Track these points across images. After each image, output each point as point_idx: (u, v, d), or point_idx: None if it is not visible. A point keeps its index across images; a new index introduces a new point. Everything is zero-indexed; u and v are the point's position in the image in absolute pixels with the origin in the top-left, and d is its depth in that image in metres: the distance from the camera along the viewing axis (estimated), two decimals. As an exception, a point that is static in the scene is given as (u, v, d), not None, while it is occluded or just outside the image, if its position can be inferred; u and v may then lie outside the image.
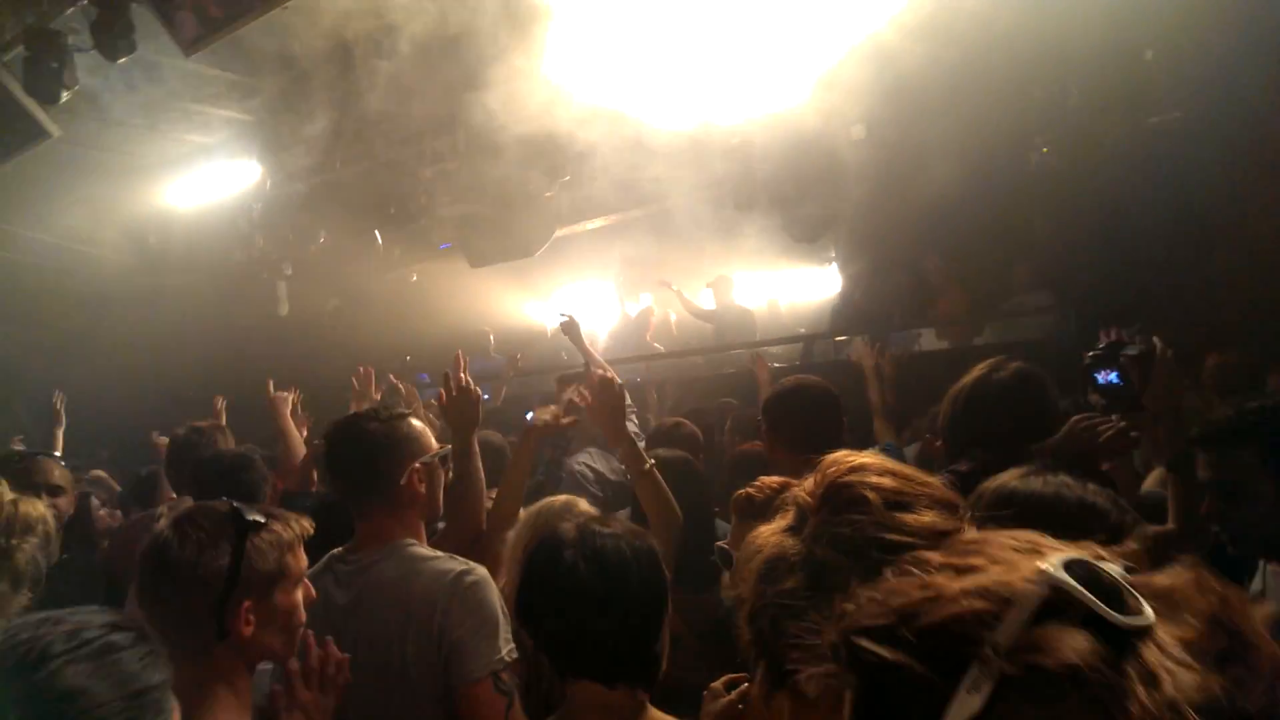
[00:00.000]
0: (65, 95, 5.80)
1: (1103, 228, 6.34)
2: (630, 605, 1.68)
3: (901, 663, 0.65)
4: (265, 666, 1.96)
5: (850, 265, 8.69)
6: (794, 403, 3.31)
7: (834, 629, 0.72)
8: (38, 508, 2.43)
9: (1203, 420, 2.38)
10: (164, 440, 5.73)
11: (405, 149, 8.25)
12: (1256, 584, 2.32)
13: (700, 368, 8.62)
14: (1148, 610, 0.63)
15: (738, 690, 1.98)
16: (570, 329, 5.49)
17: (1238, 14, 5.44)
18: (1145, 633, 0.62)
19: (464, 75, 6.12)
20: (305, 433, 5.11)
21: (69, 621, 1.27)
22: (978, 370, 2.81)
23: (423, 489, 2.53)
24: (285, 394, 5.04)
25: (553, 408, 3.55)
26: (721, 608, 2.89)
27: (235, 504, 1.87)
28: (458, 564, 2.37)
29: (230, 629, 1.77)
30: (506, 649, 2.28)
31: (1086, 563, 0.66)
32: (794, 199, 7.53)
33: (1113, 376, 3.00)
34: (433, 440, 2.63)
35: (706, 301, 9.71)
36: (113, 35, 5.33)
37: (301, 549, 1.94)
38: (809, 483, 1.23)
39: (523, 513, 2.90)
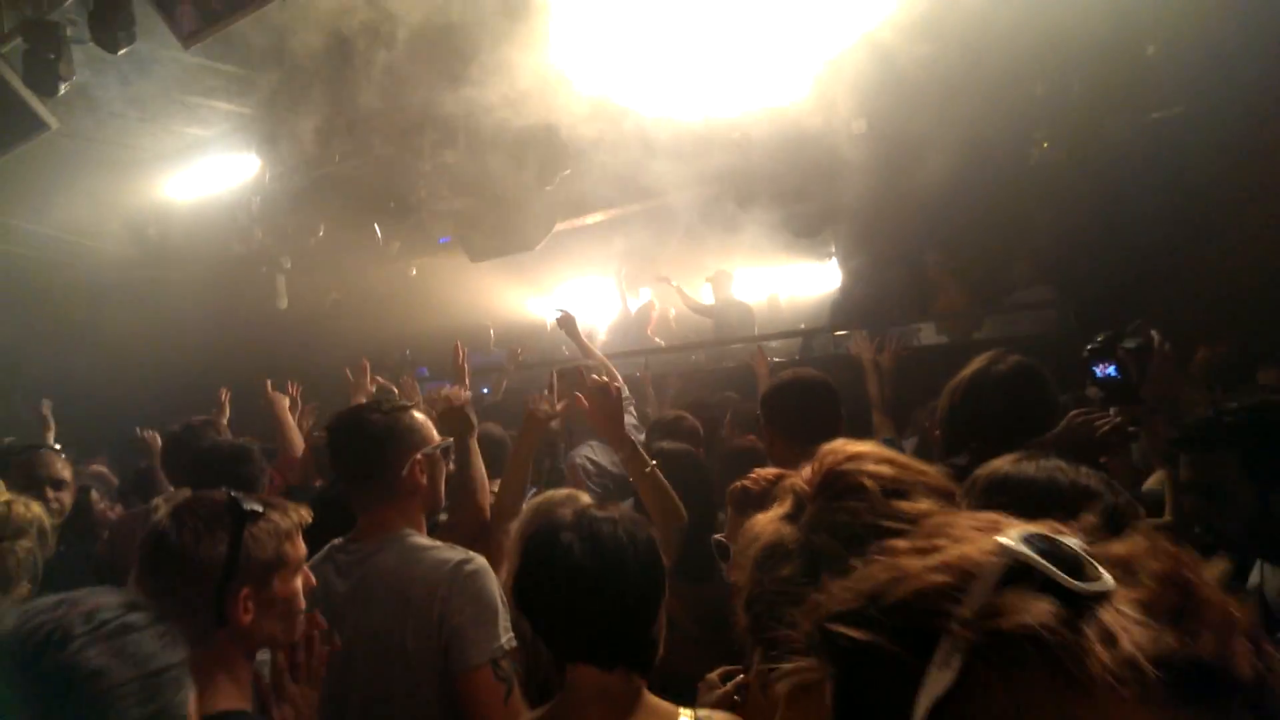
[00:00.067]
0: (64, 88, 5.81)
1: (1103, 222, 6.34)
2: (625, 587, 1.69)
3: (872, 643, 0.67)
4: (264, 657, 1.97)
5: (850, 260, 8.69)
6: (791, 395, 3.31)
7: (808, 619, 0.73)
8: (32, 509, 2.44)
9: (1182, 421, 2.39)
10: (152, 435, 5.75)
11: (404, 143, 8.24)
12: (1254, 577, 2.32)
13: (700, 362, 8.62)
14: (1106, 576, 0.64)
15: (733, 682, 1.99)
16: (567, 323, 5.50)
17: (1239, 8, 5.44)
18: (1104, 597, 0.63)
19: (463, 69, 6.11)
20: (309, 424, 5.13)
21: (85, 603, 1.27)
22: (976, 363, 2.81)
23: (424, 480, 2.55)
24: (282, 394, 5.07)
25: (546, 394, 3.55)
26: (723, 597, 2.89)
27: (233, 493, 1.88)
28: (457, 553, 2.40)
29: (229, 616, 1.78)
30: (505, 637, 2.29)
31: (1045, 535, 0.68)
32: (794, 194, 7.53)
33: (1111, 370, 3.00)
34: (434, 432, 2.66)
35: (705, 297, 9.71)
36: (112, 27, 5.33)
37: (300, 537, 1.95)
38: (807, 471, 1.24)
39: (525, 506, 2.92)
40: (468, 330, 9.01)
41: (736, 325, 8.91)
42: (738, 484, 2.01)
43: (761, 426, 3.41)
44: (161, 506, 1.90)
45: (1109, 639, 0.60)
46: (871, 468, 1.18)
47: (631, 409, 4.85)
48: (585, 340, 5.56)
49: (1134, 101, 6.36)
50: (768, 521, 1.25)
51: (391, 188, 8.72)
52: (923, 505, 1.10)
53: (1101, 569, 0.65)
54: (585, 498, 2.60)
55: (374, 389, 5.39)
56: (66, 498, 3.69)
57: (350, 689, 2.29)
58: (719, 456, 4.00)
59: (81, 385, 9.23)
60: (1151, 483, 3.38)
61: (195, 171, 9.19)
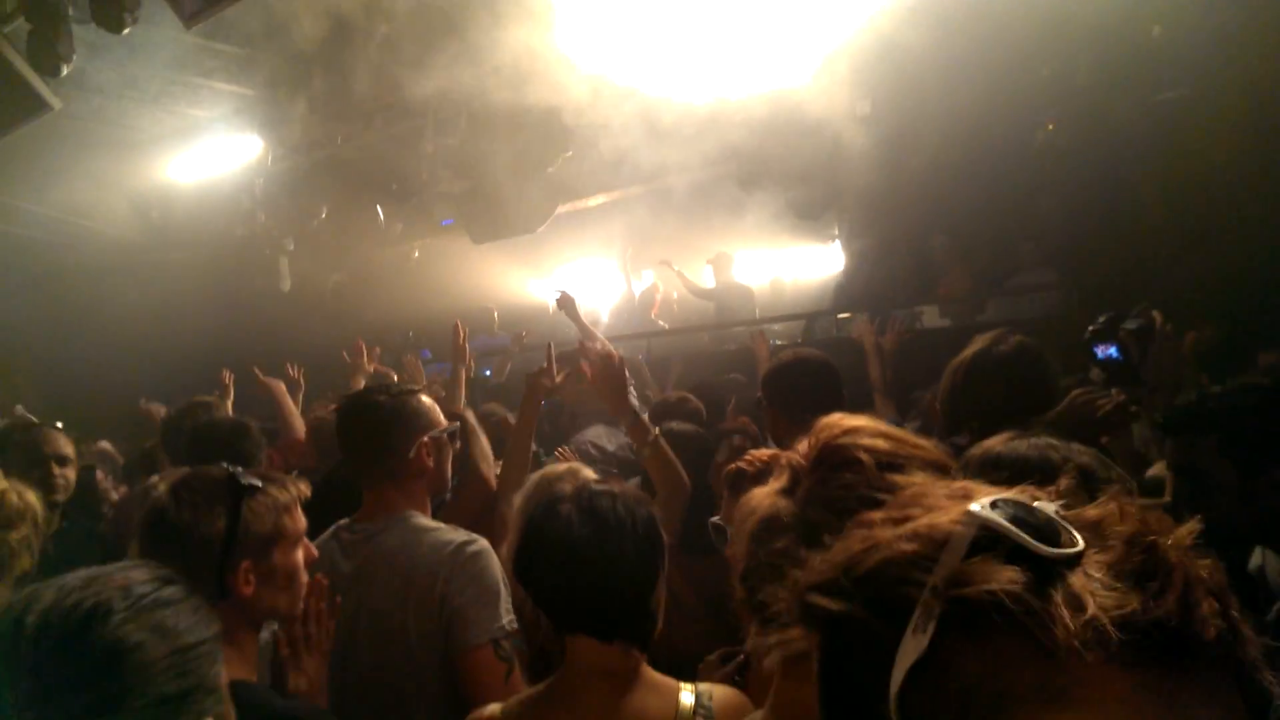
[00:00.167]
0: (66, 69, 5.78)
1: (1108, 205, 6.31)
2: (622, 559, 1.70)
3: (847, 612, 0.68)
4: (265, 636, 1.99)
5: (854, 242, 8.67)
6: (792, 375, 3.31)
7: (789, 592, 0.74)
8: (26, 497, 2.45)
9: (1166, 406, 2.39)
10: (155, 407, 5.76)
11: (406, 124, 8.22)
12: (1255, 560, 2.33)
13: (703, 344, 8.61)
14: (1078, 540, 0.65)
15: (734, 663, 2.00)
16: (566, 304, 5.51)
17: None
18: (1073, 561, 0.64)
19: (466, 51, 6.09)
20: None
21: (117, 578, 1.28)
22: (978, 344, 2.81)
23: (431, 462, 2.57)
24: (275, 379, 5.07)
25: (546, 366, 3.57)
26: (728, 573, 2.92)
27: (231, 468, 1.89)
28: (459, 535, 2.42)
29: (231, 589, 1.80)
30: (507, 618, 2.31)
31: (1016, 501, 0.68)
32: (798, 176, 7.50)
33: (1112, 351, 3.00)
34: (441, 415, 2.68)
35: (707, 279, 9.70)
36: (116, 7, 5.30)
37: (299, 510, 1.97)
38: (803, 445, 1.24)
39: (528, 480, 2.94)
40: (471, 313, 9.01)
41: (737, 308, 8.89)
42: (732, 465, 2.02)
43: (763, 406, 3.41)
44: (160, 484, 1.91)
45: (1075, 603, 0.61)
46: (867, 442, 1.18)
47: (633, 389, 4.85)
48: (585, 322, 5.56)
49: (1140, 83, 6.31)
50: (764, 495, 1.26)
51: (394, 170, 8.70)
52: (917, 479, 1.10)
53: (1075, 533, 0.65)
54: (588, 472, 2.62)
55: (372, 370, 5.39)
56: (71, 474, 3.71)
57: (352, 667, 2.31)
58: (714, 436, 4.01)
59: (84, 366, 9.27)
60: (1156, 470, 3.38)
61: (197, 153, 9.19)
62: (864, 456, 1.15)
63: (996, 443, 1.79)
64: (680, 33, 5.53)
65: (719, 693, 1.75)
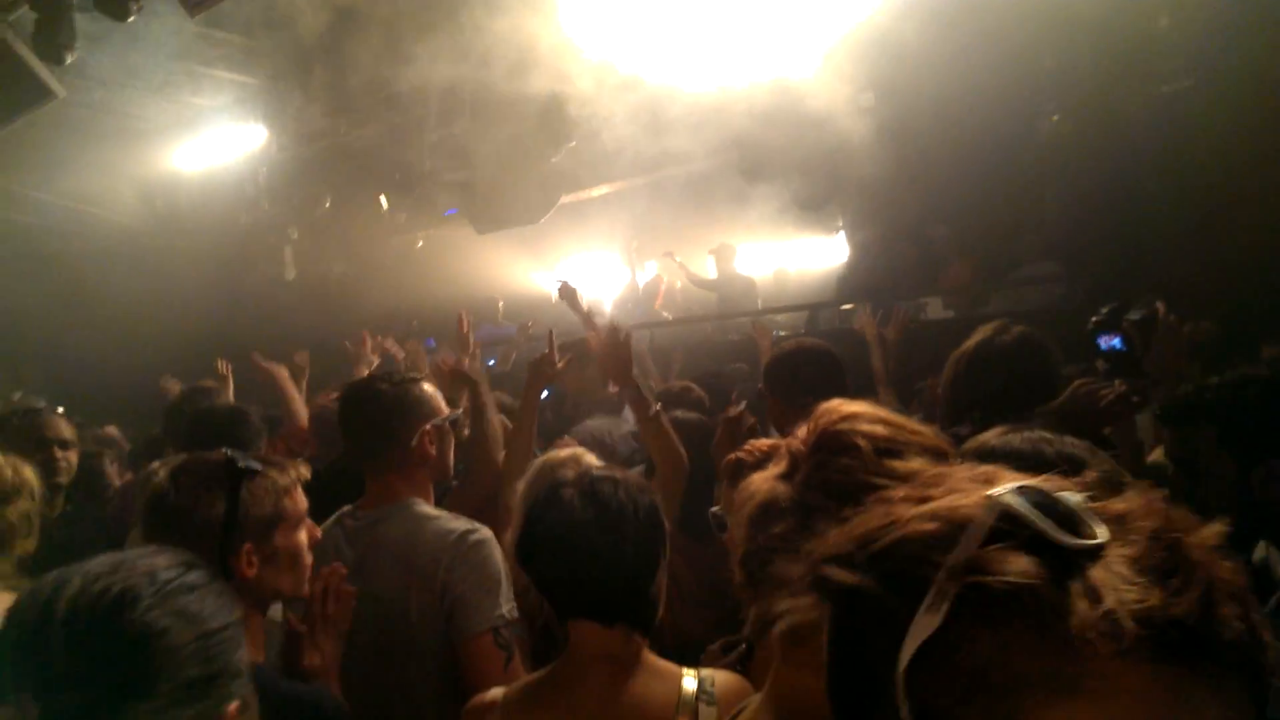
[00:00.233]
0: (70, 57, 5.77)
1: (1111, 196, 6.30)
2: (624, 544, 1.71)
3: (862, 585, 0.68)
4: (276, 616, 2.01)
5: (858, 234, 8.66)
6: (794, 362, 3.32)
7: (805, 564, 0.75)
8: (22, 472, 2.45)
9: (1164, 397, 2.39)
10: (174, 384, 5.74)
11: (410, 113, 8.21)
12: (1259, 553, 2.33)
13: (707, 334, 8.62)
14: (1101, 532, 0.64)
15: (735, 652, 2.01)
16: (567, 294, 5.50)
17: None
18: (1095, 552, 0.63)
19: (469, 40, 6.08)
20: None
21: (142, 564, 1.29)
22: (981, 334, 2.82)
23: (433, 450, 2.58)
24: (276, 363, 5.02)
25: (547, 351, 3.57)
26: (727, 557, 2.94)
27: (229, 452, 1.91)
28: (462, 523, 2.43)
29: (234, 571, 1.81)
30: (507, 607, 2.33)
31: (1040, 489, 0.68)
32: (802, 167, 7.48)
33: (1115, 342, 3.01)
34: (443, 403, 2.69)
35: (710, 270, 9.69)
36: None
37: (299, 491, 1.98)
38: (802, 430, 1.25)
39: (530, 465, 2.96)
40: (476, 302, 9.01)
41: (740, 299, 8.90)
42: (731, 455, 2.02)
43: (766, 395, 3.42)
44: (160, 469, 1.93)
45: (1093, 595, 0.60)
46: (865, 427, 1.19)
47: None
48: (586, 311, 5.56)
49: (1144, 75, 6.29)
50: (763, 480, 1.26)
51: (398, 159, 8.70)
52: (915, 464, 1.10)
53: (1098, 524, 0.65)
54: (590, 458, 2.63)
55: (375, 359, 5.38)
56: (74, 457, 3.73)
57: (354, 654, 2.33)
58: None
59: (90, 353, 9.28)
60: (1155, 456, 3.38)
61: (202, 142, 9.19)
62: (862, 442, 1.16)
63: (990, 437, 1.79)
64: (684, 23, 5.51)
65: (721, 678, 1.76)
